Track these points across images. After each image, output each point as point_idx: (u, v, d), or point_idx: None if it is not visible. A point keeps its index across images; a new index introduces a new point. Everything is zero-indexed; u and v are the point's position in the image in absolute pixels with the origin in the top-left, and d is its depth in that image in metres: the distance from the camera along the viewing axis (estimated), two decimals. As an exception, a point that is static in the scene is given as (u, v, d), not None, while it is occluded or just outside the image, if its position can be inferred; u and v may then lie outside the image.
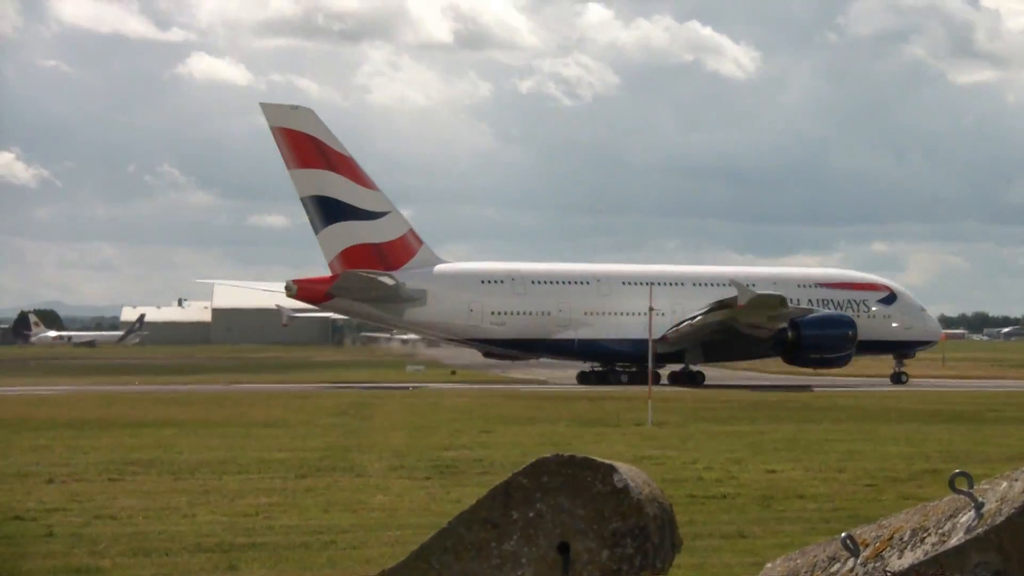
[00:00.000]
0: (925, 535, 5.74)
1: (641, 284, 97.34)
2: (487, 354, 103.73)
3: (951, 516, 5.73)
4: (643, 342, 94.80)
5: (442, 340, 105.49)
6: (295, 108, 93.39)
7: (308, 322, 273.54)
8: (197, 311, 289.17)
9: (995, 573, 5.41)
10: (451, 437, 46.77)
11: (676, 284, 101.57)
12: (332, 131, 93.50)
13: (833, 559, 6.05)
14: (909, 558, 5.65)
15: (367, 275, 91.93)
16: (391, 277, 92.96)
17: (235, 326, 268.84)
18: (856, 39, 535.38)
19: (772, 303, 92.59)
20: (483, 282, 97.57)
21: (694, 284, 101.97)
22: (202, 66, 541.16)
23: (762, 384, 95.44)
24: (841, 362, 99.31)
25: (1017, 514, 5.45)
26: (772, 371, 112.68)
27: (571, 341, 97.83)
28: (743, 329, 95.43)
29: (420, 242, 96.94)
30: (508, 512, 4.10)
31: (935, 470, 36.28)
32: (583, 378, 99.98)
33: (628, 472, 4.16)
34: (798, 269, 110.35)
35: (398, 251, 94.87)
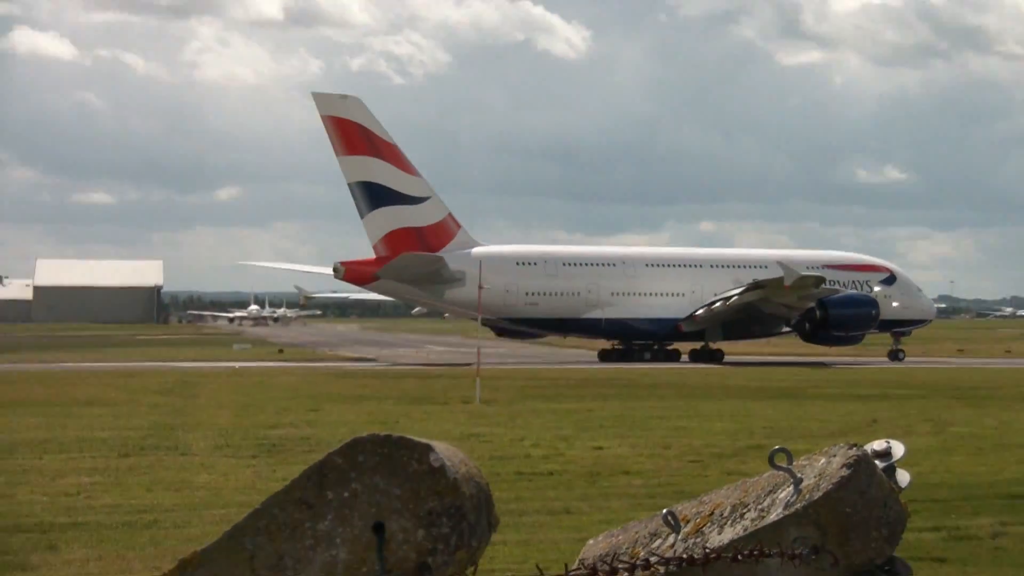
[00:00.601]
0: (745, 511, 5.78)
1: (663, 266, 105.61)
2: (500, 332, 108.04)
3: (770, 492, 5.78)
4: (666, 321, 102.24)
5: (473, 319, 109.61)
6: (344, 97, 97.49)
7: (132, 300, 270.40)
8: (18, 289, 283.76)
9: (813, 547, 5.46)
10: (278, 416, 46.44)
11: (695, 266, 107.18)
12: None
13: (654, 535, 6.06)
14: (729, 534, 5.68)
15: (423, 257, 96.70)
16: (441, 259, 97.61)
17: (57, 304, 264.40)
18: (686, 20, 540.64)
19: (813, 283, 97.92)
20: (518, 264, 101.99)
21: (711, 266, 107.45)
22: (25, 40, 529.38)
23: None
24: (858, 340, 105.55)
25: (835, 489, 5.51)
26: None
27: (599, 320, 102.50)
28: (768, 308, 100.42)
29: (459, 226, 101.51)
30: (323, 492, 4.05)
31: (758, 446, 36.80)
32: (604, 356, 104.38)
33: (445, 451, 4.13)
34: (804, 252, 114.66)
35: (439, 234, 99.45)
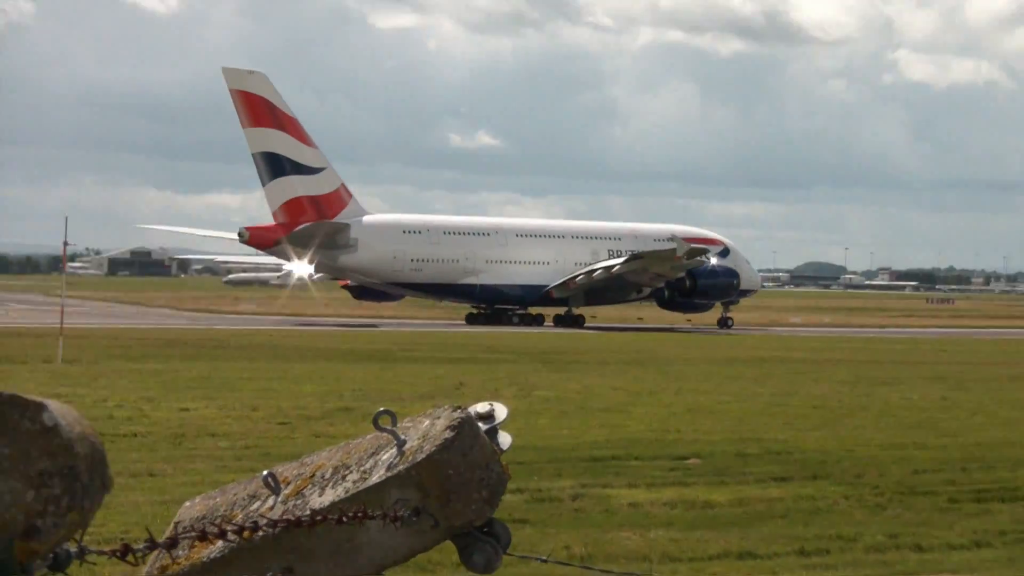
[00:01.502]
0: (347, 472, 5.80)
1: (531, 236, 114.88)
2: (359, 295, 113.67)
3: (374, 454, 5.82)
4: (534, 287, 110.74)
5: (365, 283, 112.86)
6: (251, 72, 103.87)
7: None
8: None
9: (414, 509, 5.53)
10: None
11: (559, 237, 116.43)
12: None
13: (253, 497, 6.03)
14: (330, 495, 5.70)
15: (332, 224, 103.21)
16: (347, 226, 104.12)
17: None
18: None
19: (692, 255, 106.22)
20: (404, 232, 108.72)
21: (573, 237, 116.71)
22: None
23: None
24: (711, 308, 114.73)
25: (438, 451, 5.59)
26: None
27: (474, 286, 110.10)
28: (635, 277, 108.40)
29: (350, 195, 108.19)
30: (-75, 452, 3.90)
31: (348, 408, 37.12)
32: (471, 319, 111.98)
33: (59, 410, 4.02)
34: (650, 225, 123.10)
35: (333, 203, 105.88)
